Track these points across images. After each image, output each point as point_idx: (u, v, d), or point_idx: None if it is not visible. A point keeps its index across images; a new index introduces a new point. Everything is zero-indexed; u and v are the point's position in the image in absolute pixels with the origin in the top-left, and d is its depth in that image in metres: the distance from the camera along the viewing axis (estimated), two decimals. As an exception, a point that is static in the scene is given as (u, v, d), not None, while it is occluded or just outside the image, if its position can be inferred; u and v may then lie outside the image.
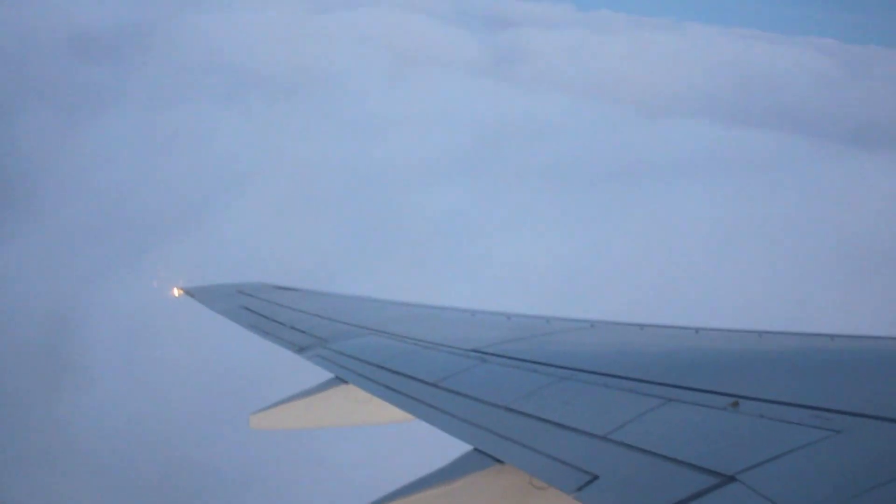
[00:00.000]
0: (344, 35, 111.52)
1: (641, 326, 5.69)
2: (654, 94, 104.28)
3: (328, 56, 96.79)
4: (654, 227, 51.43)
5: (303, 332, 7.09)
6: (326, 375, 6.09)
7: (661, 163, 66.31)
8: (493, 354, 5.51)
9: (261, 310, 8.05)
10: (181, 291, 9.20)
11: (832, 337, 4.87)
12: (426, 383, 5.25)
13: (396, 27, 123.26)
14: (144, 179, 55.79)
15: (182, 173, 57.12)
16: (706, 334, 5.25)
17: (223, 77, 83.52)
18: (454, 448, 4.39)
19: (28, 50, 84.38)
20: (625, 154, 69.35)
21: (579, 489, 3.55)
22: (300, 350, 6.63)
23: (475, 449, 4.31)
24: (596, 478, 3.60)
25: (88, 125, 66.69)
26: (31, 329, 35.73)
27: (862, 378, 4.28)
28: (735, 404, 3.92)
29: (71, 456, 28.90)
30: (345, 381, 5.87)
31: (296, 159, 60.16)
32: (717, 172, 64.04)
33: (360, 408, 5.85)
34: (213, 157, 60.72)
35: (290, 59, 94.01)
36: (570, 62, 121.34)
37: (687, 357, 5.04)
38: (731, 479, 3.27)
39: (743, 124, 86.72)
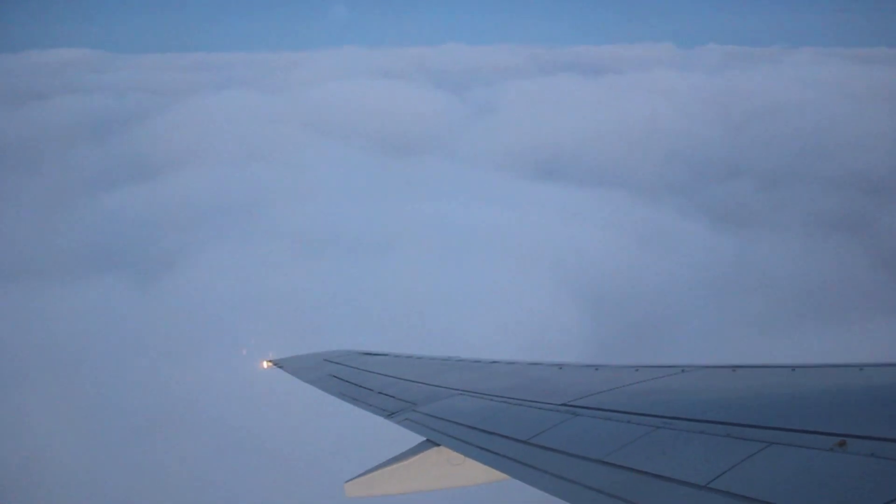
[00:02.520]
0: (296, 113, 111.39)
1: (734, 368, 5.53)
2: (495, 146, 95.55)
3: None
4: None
5: (391, 396, 7.14)
6: (417, 439, 6.10)
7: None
8: (583, 407, 5.43)
9: (349, 377, 8.15)
10: (270, 364, 9.41)
11: None
12: (518, 441, 5.20)
13: (360, 99, 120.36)
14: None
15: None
16: (803, 372, 5.06)
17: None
18: (551, 505, 4.32)
19: None
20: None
21: None
22: (390, 415, 6.67)
23: None
24: None
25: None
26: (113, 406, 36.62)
27: None
28: (842, 444, 3.74)
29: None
30: (436, 444, 5.87)
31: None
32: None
33: (453, 469, 5.83)
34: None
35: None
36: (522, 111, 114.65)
37: (785, 397, 4.86)
38: None
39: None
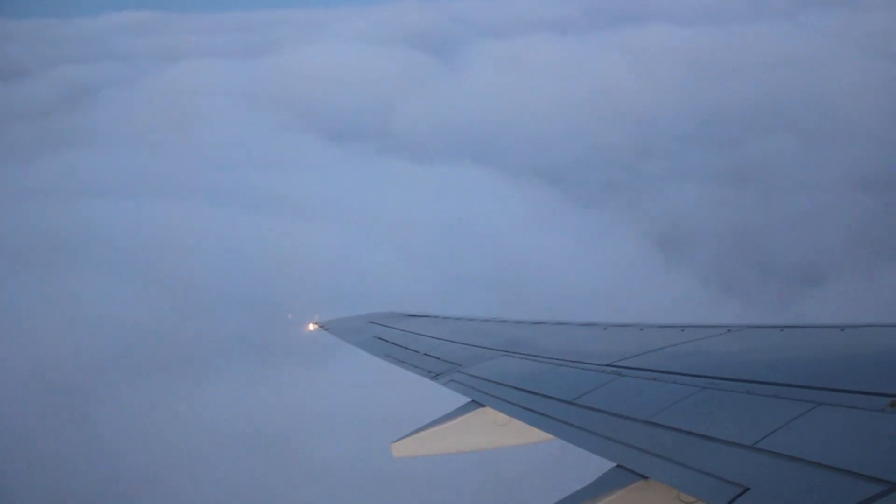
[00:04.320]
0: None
1: (781, 328, 5.46)
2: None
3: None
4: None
5: (436, 358, 7.20)
6: (463, 400, 6.15)
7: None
8: (629, 368, 5.42)
9: (394, 339, 8.23)
10: (316, 326, 9.57)
11: None
12: (563, 401, 5.21)
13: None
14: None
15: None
16: (852, 332, 4.98)
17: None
18: (596, 466, 4.33)
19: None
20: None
21: (730, 503, 3.43)
22: (435, 376, 6.73)
23: (618, 466, 4.24)
24: (746, 490, 3.46)
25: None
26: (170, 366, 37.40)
27: None
28: (894, 405, 3.69)
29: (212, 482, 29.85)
30: (482, 405, 5.91)
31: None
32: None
33: (498, 430, 5.88)
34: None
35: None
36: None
37: (835, 357, 4.79)
38: None
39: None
